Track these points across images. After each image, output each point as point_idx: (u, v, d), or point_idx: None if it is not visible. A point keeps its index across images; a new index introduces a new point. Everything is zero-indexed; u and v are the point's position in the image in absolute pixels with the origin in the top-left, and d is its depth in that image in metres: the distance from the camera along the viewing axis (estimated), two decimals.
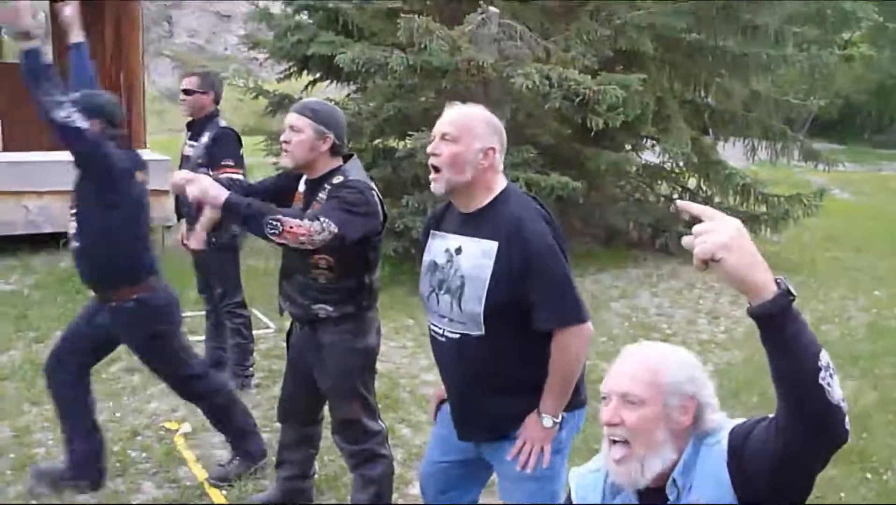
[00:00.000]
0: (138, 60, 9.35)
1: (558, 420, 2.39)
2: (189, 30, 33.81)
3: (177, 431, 4.22)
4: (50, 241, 7.59)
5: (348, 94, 9.28)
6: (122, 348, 5.26)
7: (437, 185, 2.38)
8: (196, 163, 4.41)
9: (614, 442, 1.75)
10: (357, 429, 3.10)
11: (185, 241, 4.72)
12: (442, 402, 2.63)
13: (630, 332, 6.37)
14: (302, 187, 3.08)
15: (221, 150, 4.39)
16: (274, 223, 2.71)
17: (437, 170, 2.37)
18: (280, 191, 3.15)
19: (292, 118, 2.96)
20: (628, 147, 9.40)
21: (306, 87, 9.25)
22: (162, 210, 6.75)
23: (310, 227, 2.72)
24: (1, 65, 11.40)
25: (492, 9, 7.22)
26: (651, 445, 1.71)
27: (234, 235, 4.65)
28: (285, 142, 2.95)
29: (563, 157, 8.20)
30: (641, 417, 1.71)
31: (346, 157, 3.05)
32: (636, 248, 8.98)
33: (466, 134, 2.35)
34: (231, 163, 4.34)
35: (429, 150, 2.41)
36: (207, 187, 2.80)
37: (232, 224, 4.35)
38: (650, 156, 9.80)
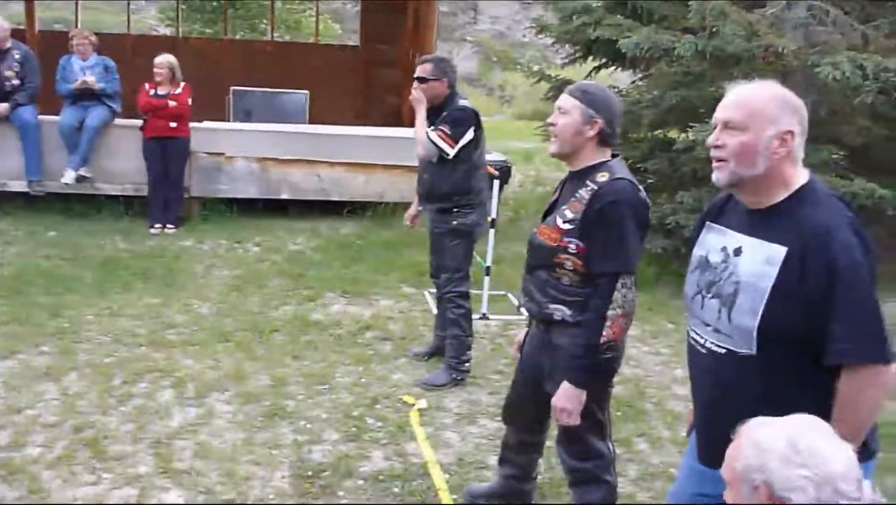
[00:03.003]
0: (432, 42, 9.72)
1: None
2: (492, 17, 35.02)
3: (413, 405, 4.28)
4: (337, 209, 8.19)
5: (633, 81, 8.89)
6: (384, 316, 5.57)
7: (721, 175, 2.04)
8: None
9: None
10: (581, 446, 2.86)
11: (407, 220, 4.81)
12: None
13: None
14: (564, 177, 2.88)
15: (445, 122, 4.35)
16: None
17: (721, 159, 2.04)
18: None
19: (561, 99, 2.76)
20: None
21: (590, 72, 9.00)
22: None
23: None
24: (314, 46, 12.53)
25: None
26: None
27: (473, 224, 4.56)
28: (551, 124, 2.76)
29: (874, 160, 7.13)
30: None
31: (615, 155, 2.80)
32: None
33: (756, 119, 1.99)
34: (446, 131, 4.32)
35: (709, 141, 2.07)
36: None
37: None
38: None
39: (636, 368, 5.02)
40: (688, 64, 6.67)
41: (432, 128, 4.37)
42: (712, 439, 2.17)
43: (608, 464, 2.92)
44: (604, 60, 8.69)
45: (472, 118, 4.44)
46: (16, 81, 7.51)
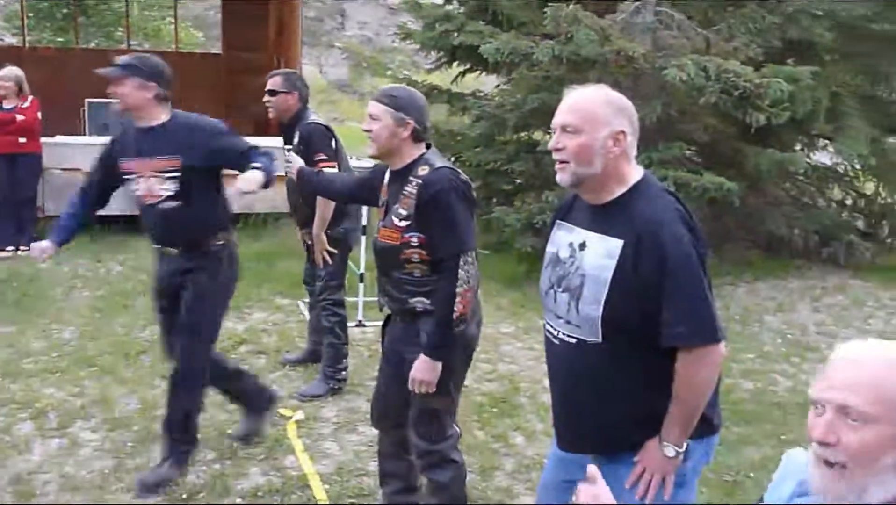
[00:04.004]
0: (297, 48, 9.64)
1: (682, 450, 2.12)
2: (360, 22, 34.97)
3: (290, 418, 4.24)
4: None
5: (497, 85, 9.13)
6: (258, 329, 5.47)
7: (563, 176, 2.15)
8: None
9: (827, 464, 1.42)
10: (437, 427, 2.96)
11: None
12: None
13: (783, 350, 5.81)
14: (387, 179, 2.98)
15: (311, 146, 4.32)
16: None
17: (563, 161, 2.15)
18: (363, 187, 3.18)
19: (371, 106, 2.89)
20: (797, 147, 8.62)
21: (456, 77, 9.17)
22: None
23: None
24: (174, 55, 12.14)
25: None
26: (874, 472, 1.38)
27: (345, 230, 4.59)
28: (367, 130, 2.88)
29: (720, 155, 7.63)
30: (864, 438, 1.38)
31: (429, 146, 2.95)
32: (799, 257, 8.22)
33: (590, 121, 2.10)
34: (323, 157, 4.30)
35: (550, 145, 2.18)
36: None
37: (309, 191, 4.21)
38: (823, 157, 8.97)
39: (510, 364, 5.16)
40: (546, 68, 6.91)
41: (316, 162, 4.23)
42: (569, 425, 2.28)
43: (456, 443, 3.04)
44: (468, 65, 8.88)
45: (329, 130, 4.46)
46: None
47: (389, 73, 10.06)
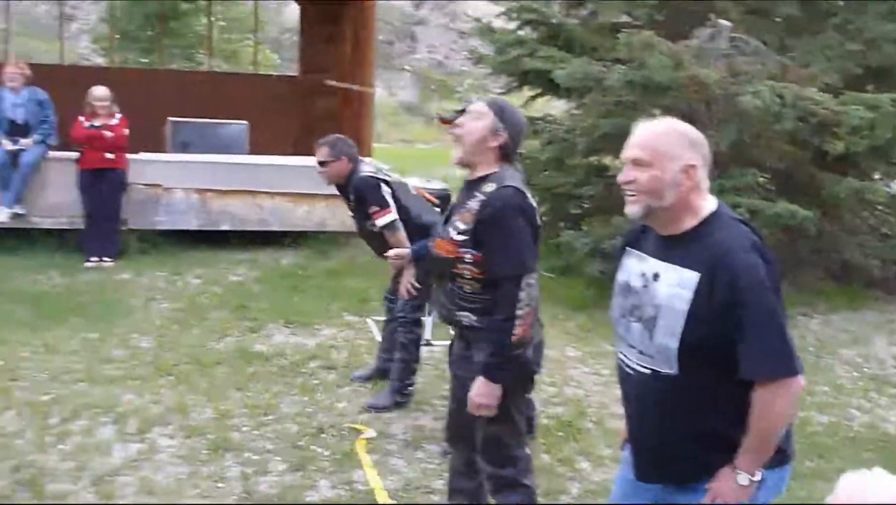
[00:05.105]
0: (370, 71, 9.86)
1: (755, 479, 2.11)
2: (430, 46, 35.44)
3: (360, 433, 4.31)
4: (277, 239, 8.18)
5: (568, 110, 9.15)
6: (327, 345, 5.59)
7: (635, 208, 2.17)
8: (360, 225, 4.71)
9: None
10: (503, 453, 2.96)
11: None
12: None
13: (860, 383, 5.66)
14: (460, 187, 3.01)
15: (363, 202, 4.55)
16: None
17: (634, 193, 2.18)
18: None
19: (475, 105, 2.89)
20: (876, 175, 8.38)
21: (526, 101, 9.23)
22: None
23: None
24: (253, 77, 12.53)
25: (723, 22, 6.76)
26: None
27: None
28: (457, 126, 2.85)
29: (795, 183, 7.47)
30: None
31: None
32: (877, 288, 7.95)
33: (661, 156, 2.13)
34: (376, 208, 4.50)
35: (620, 178, 2.20)
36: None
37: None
38: None
39: (577, 389, 5.15)
40: (619, 93, 6.91)
41: (370, 215, 4.51)
42: (643, 454, 2.28)
43: (527, 467, 3.02)
44: (539, 90, 8.93)
45: (376, 180, 4.59)
46: None
47: (458, 96, 10.17)
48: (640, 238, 2.30)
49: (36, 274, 6.94)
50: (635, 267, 2.25)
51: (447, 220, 2.96)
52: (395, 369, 4.70)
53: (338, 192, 4.82)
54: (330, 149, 4.65)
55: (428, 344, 5.68)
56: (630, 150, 2.19)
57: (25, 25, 24.26)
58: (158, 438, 4.16)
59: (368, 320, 6.07)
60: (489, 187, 2.82)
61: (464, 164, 2.92)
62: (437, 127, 24.67)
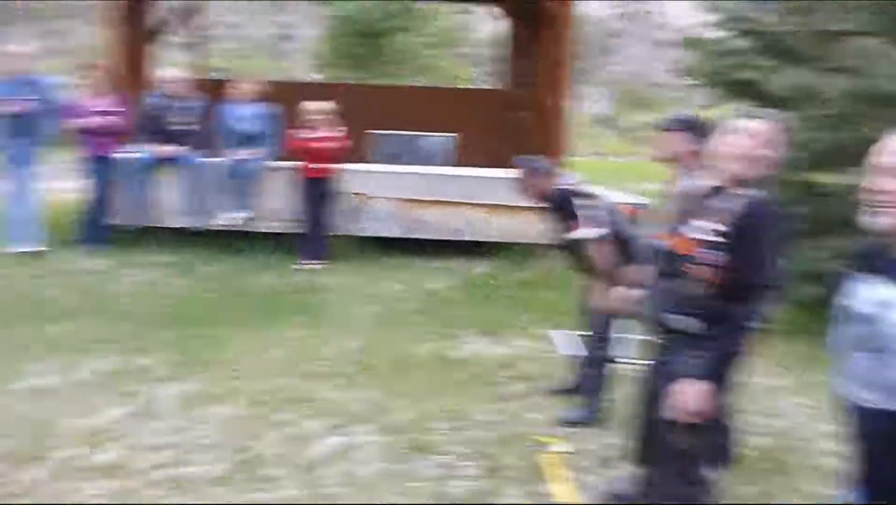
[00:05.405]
0: (567, 83, 9.87)
1: None
2: (626, 57, 34.80)
3: (552, 445, 4.30)
4: (471, 248, 8.37)
5: (779, 122, 8.64)
6: (517, 356, 5.64)
7: (886, 220, 2.02)
8: (561, 238, 4.78)
9: None
10: (687, 470, 2.84)
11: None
12: None
13: None
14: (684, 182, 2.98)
15: (566, 214, 4.62)
16: None
17: (887, 204, 2.02)
18: None
19: (758, 123, 2.87)
20: None
21: (730, 114, 8.82)
22: None
23: None
24: (455, 90, 12.92)
25: None
26: None
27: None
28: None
29: None
30: None
31: None
32: None
33: None
34: (577, 221, 4.56)
35: (870, 186, 2.07)
36: None
37: None
38: None
39: (782, 420, 4.84)
40: (838, 105, 6.42)
41: (574, 232, 4.53)
42: (870, 495, 2.10)
43: (708, 490, 2.88)
44: (749, 102, 8.49)
45: (570, 192, 4.60)
46: (188, 127, 8.21)
47: (655, 108, 9.91)
48: (870, 261, 2.13)
49: (255, 275, 7.57)
50: (867, 293, 2.08)
51: (681, 220, 2.85)
52: (590, 385, 4.65)
53: (539, 205, 4.87)
54: (527, 169, 4.76)
55: (626, 362, 5.56)
56: (888, 156, 2.02)
57: (246, 43, 26.59)
58: (359, 434, 4.38)
59: (552, 333, 6.06)
60: (748, 192, 2.73)
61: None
62: (631, 141, 24.09)
